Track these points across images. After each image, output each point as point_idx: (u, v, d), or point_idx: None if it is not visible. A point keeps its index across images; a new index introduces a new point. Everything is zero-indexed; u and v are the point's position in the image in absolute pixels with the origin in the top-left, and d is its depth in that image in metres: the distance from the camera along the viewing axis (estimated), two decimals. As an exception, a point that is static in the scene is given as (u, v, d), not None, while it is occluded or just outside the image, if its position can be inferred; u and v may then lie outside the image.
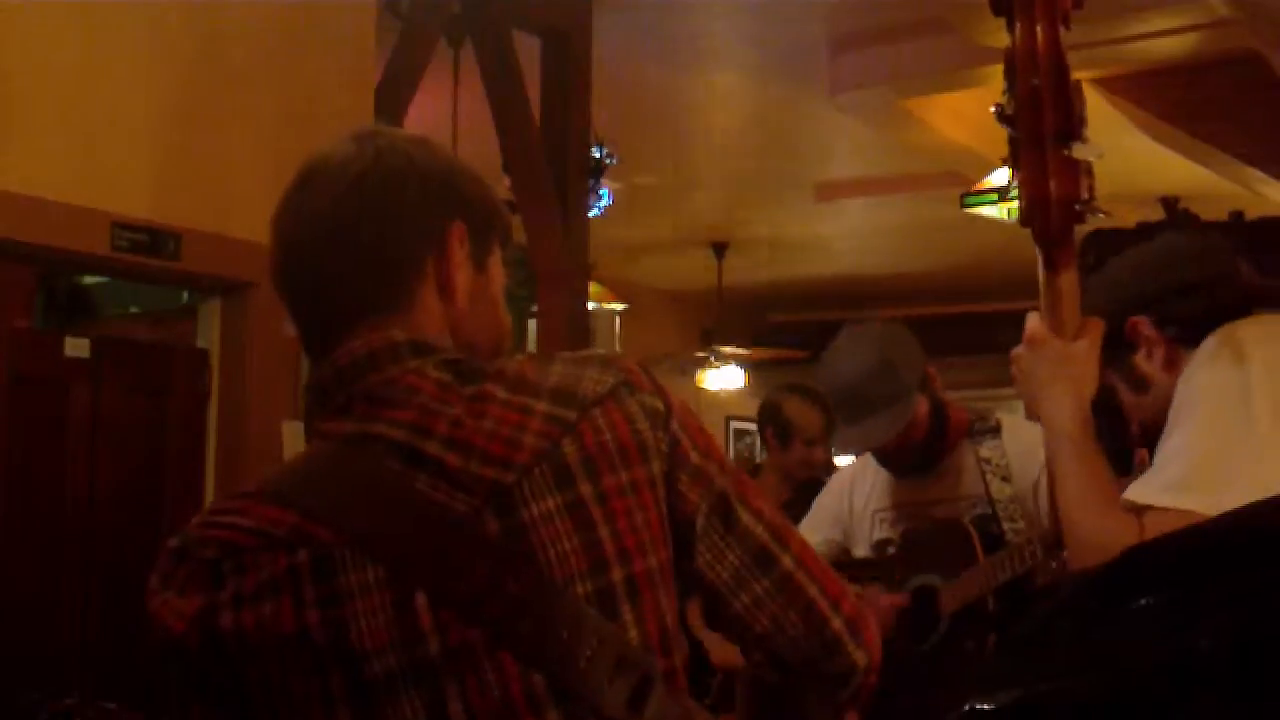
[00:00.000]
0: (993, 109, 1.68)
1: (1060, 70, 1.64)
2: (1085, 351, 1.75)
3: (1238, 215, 6.56)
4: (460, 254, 1.37)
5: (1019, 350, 1.79)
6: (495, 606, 1.25)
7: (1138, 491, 1.70)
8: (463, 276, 1.37)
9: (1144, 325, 1.86)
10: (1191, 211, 7.15)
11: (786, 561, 1.39)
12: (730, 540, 1.37)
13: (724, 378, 9.83)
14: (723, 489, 1.37)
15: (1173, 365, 1.84)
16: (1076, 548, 1.75)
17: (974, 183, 6.67)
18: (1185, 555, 1.04)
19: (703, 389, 9.89)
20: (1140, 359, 1.87)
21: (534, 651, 1.25)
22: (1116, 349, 1.85)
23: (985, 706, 0.98)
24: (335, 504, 1.27)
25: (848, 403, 2.95)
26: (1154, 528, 1.62)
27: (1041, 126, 1.65)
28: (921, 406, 2.91)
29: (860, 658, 1.41)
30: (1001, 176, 5.96)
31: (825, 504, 3.24)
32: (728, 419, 11.19)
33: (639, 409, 1.34)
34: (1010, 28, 1.67)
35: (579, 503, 1.28)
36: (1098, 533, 1.69)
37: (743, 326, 10.44)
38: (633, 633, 1.29)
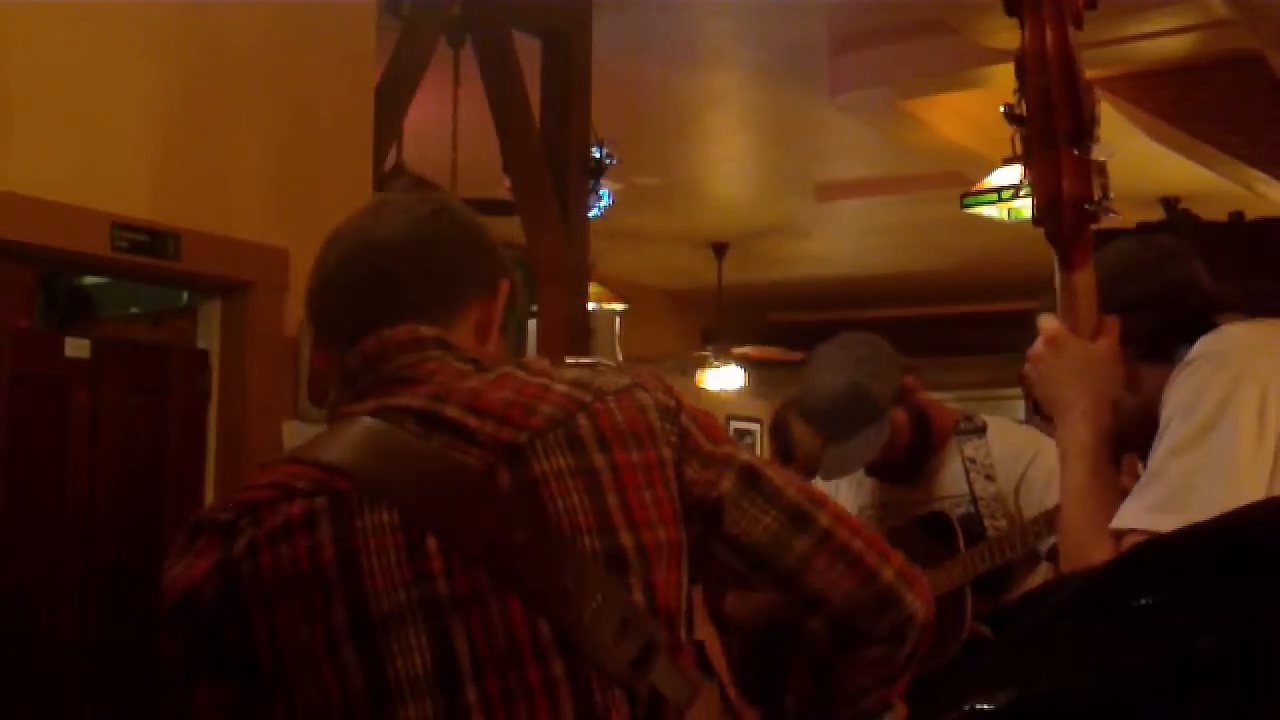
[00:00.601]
0: (1002, 109, 1.68)
1: (1071, 71, 1.64)
2: (1107, 351, 1.74)
3: (1238, 215, 6.56)
4: (501, 307, 1.48)
5: (1038, 350, 1.77)
6: (503, 552, 1.29)
7: (1120, 516, 1.69)
8: (497, 328, 1.48)
9: None
10: (1192, 211, 7.15)
11: (824, 518, 1.42)
12: (762, 503, 1.40)
13: (724, 378, 9.83)
14: (746, 461, 1.42)
15: (1134, 383, 1.83)
16: (1065, 554, 1.77)
17: (974, 183, 6.66)
18: (1185, 555, 1.04)
19: (703, 389, 9.89)
20: None
21: (539, 597, 1.29)
22: None
23: (985, 706, 0.98)
24: (353, 458, 1.33)
25: (823, 429, 2.98)
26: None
27: (1053, 127, 1.65)
28: (899, 419, 2.92)
29: (918, 606, 1.43)
30: (1002, 177, 5.96)
31: None
32: (728, 419, 11.20)
33: (650, 402, 1.40)
34: (1022, 27, 1.67)
35: (590, 469, 1.34)
36: (1082, 547, 1.69)
37: (743, 326, 10.44)
38: (638, 596, 1.32)
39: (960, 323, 10.26)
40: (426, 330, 1.41)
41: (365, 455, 1.33)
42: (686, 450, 1.40)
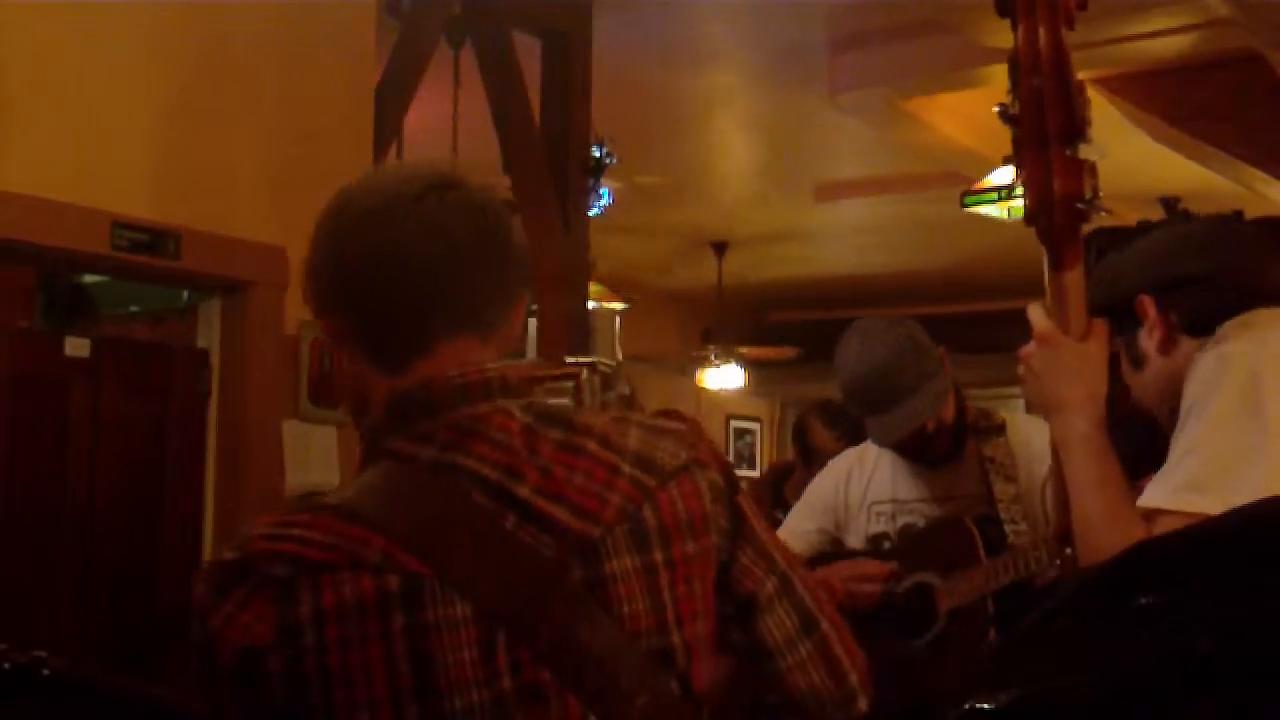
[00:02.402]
0: (996, 109, 1.69)
1: (1064, 70, 1.65)
2: (1096, 353, 1.76)
3: (1238, 215, 6.56)
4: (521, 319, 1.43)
5: (1029, 349, 1.79)
6: (567, 652, 1.28)
7: (1150, 496, 1.69)
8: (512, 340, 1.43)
9: (1149, 304, 1.86)
10: (1191, 211, 7.15)
11: (824, 625, 1.47)
12: (788, 607, 1.45)
13: (724, 377, 9.83)
14: (784, 568, 1.45)
15: (1167, 348, 1.85)
16: (1088, 549, 1.74)
17: (974, 182, 6.67)
18: (1185, 555, 1.04)
19: (703, 389, 9.89)
20: (1142, 336, 1.87)
21: (595, 696, 1.28)
22: (1125, 321, 1.87)
23: (985, 706, 0.98)
24: (425, 534, 1.27)
25: (878, 391, 2.82)
26: (1165, 531, 1.61)
27: (1045, 127, 1.65)
28: (950, 387, 2.85)
29: (865, 705, 1.50)
30: (1002, 176, 5.96)
31: (820, 492, 3.17)
32: (728, 418, 11.21)
33: (705, 486, 1.40)
34: (1014, 28, 1.68)
35: (652, 567, 1.34)
36: (1109, 535, 1.68)
37: (743, 326, 10.44)
38: (675, 686, 1.34)
39: (960, 322, 10.23)
40: (493, 371, 1.34)
41: (438, 532, 1.27)
42: (741, 536, 1.42)
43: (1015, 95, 1.68)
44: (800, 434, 4.46)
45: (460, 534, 1.28)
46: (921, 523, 2.94)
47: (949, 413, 2.85)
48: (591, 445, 1.35)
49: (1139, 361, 1.88)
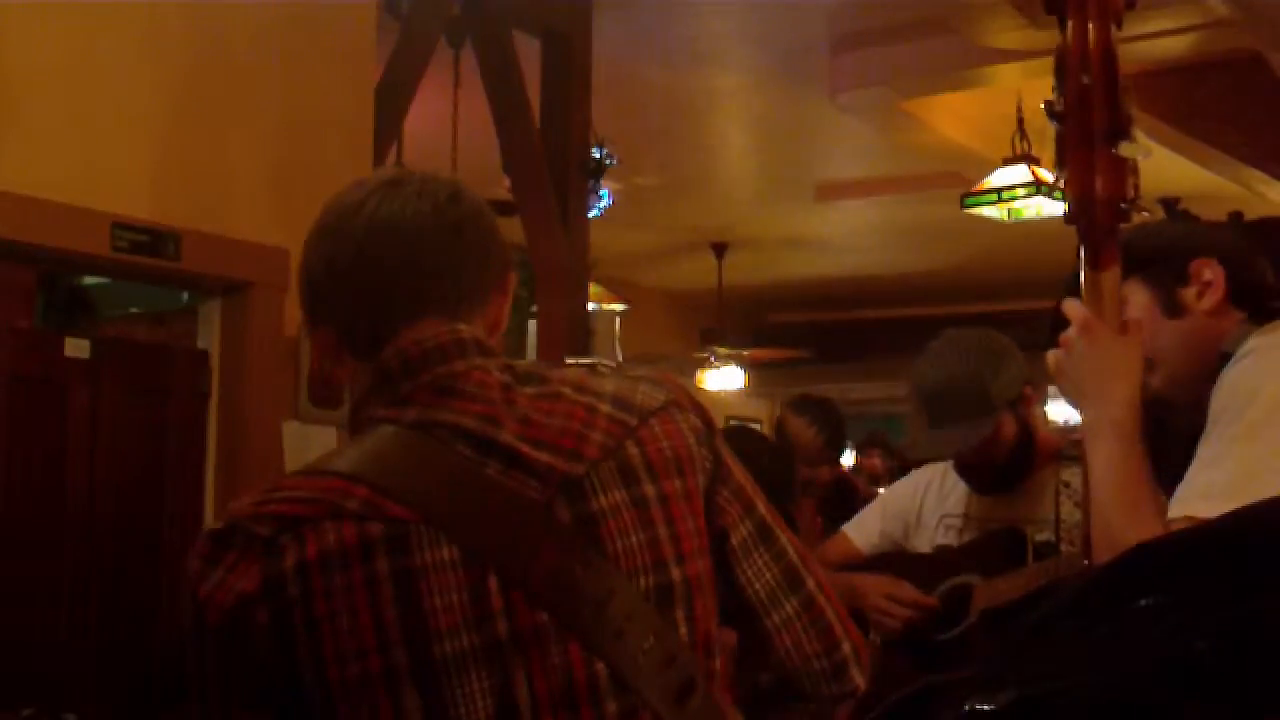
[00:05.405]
0: (1043, 105, 1.68)
1: (1111, 69, 1.64)
2: (1134, 350, 1.73)
3: (1237, 215, 6.55)
4: (510, 303, 1.44)
5: (1069, 336, 1.75)
6: (563, 592, 1.27)
7: (1177, 505, 1.66)
8: (504, 325, 1.43)
9: (1211, 269, 1.85)
10: (1191, 212, 7.14)
11: (811, 584, 1.45)
12: (768, 559, 1.43)
13: (724, 378, 9.84)
14: (763, 514, 1.44)
15: (1217, 315, 1.83)
16: (1104, 544, 1.69)
17: (974, 183, 6.67)
18: (1185, 555, 1.04)
19: (703, 389, 9.89)
20: (1187, 293, 1.86)
21: (597, 640, 1.27)
22: (1164, 276, 1.87)
23: (985, 706, 0.98)
24: (408, 482, 1.27)
25: (929, 408, 2.86)
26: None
27: (1090, 125, 1.64)
28: (1008, 426, 2.83)
29: (861, 681, 1.47)
30: (1002, 177, 5.95)
31: (894, 497, 3.20)
32: (728, 419, 11.20)
33: (687, 426, 1.40)
34: (1062, 26, 1.67)
35: (643, 500, 1.33)
36: (1126, 530, 1.62)
37: (743, 326, 10.45)
38: (683, 630, 1.32)
39: (960, 323, 10.24)
40: (466, 332, 1.35)
41: (421, 480, 1.27)
42: (719, 476, 1.40)
43: (1061, 92, 1.67)
44: (778, 429, 4.49)
45: (444, 480, 1.28)
46: (984, 535, 2.94)
47: (1000, 450, 2.84)
48: (567, 390, 1.36)
49: (1174, 310, 1.86)
